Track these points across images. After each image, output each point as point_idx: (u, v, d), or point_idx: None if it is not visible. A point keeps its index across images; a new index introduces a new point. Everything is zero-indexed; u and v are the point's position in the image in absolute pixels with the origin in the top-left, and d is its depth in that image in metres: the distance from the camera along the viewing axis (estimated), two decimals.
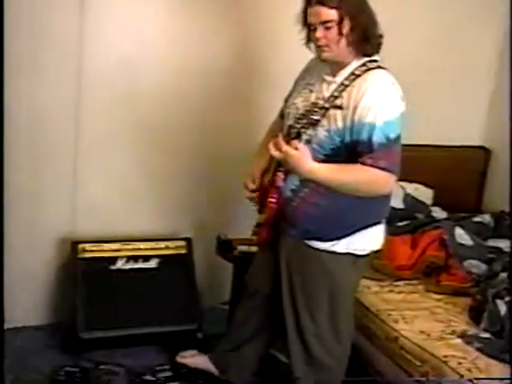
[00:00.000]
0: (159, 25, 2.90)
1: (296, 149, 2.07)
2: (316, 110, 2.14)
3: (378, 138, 2.02)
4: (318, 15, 2.07)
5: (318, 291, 2.28)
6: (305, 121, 2.17)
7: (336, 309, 2.31)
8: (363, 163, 2.04)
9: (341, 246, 2.21)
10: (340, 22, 2.05)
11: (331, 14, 2.05)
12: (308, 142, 2.14)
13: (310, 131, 2.14)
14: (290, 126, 2.23)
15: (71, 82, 2.81)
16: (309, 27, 2.14)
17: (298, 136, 2.17)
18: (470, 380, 2.17)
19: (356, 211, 2.16)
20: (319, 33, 2.08)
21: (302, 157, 2.07)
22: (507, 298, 2.53)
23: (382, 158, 2.03)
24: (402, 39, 3.11)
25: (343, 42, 2.08)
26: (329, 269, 2.25)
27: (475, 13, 3.33)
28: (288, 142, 2.10)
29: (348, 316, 2.38)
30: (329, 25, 2.06)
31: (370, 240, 2.25)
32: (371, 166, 2.03)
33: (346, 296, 2.33)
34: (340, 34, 2.06)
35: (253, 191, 2.37)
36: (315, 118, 2.13)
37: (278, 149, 2.09)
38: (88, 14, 2.75)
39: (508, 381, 2.20)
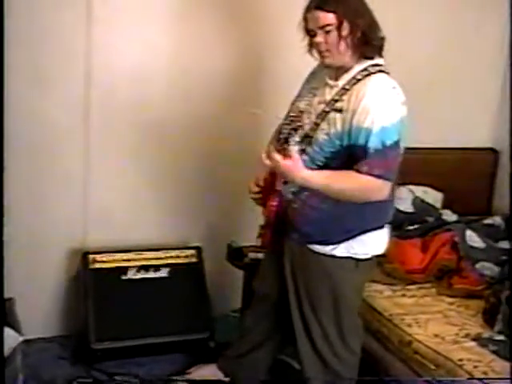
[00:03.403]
0: (165, 31, 2.91)
1: (289, 157, 2.07)
2: (299, 115, 2.18)
3: (374, 143, 2.02)
4: (316, 20, 2.08)
5: (321, 294, 2.29)
6: (291, 126, 2.20)
7: (340, 312, 2.30)
8: (359, 170, 2.04)
9: (341, 249, 2.21)
10: (339, 26, 2.06)
11: (329, 17, 2.06)
12: (302, 150, 2.15)
13: (299, 137, 2.16)
14: (280, 132, 2.26)
15: (79, 91, 2.82)
16: (310, 33, 2.14)
17: (286, 142, 2.18)
18: (469, 379, 2.16)
19: (356, 216, 2.17)
20: (319, 38, 2.10)
21: (293, 165, 2.07)
22: None
23: (377, 166, 2.03)
24: (410, 41, 3.12)
25: (343, 45, 2.08)
26: (330, 272, 2.25)
27: (486, 14, 3.34)
28: (285, 150, 2.11)
29: (354, 320, 2.38)
30: (328, 29, 2.07)
31: (371, 244, 2.25)
32: (366, 173, 2.03)
33: (349, 300, 2.32)
34: (339, 37, 2.07)
35: (257, 193, 2.37)
36: (298, 124, 2.18)
37: (270, 158, 2.11)
38: (95, 22, 2.76)
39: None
